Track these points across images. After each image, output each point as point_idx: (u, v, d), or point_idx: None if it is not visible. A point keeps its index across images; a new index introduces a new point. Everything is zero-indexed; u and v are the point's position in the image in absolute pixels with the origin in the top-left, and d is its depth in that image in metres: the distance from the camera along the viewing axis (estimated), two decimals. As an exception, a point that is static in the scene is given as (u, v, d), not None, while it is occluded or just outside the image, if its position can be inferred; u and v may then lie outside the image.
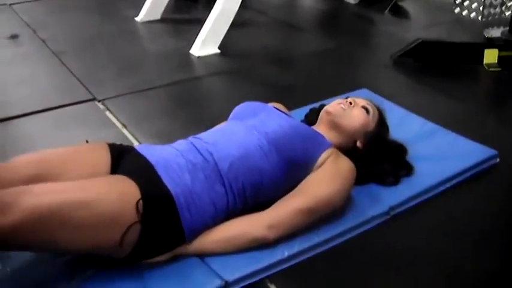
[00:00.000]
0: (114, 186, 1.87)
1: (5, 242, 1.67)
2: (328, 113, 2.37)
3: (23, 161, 1.98)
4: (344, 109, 2.35)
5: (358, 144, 2.36)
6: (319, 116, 2.43)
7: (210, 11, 3.98)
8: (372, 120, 2.39)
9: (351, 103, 2.37)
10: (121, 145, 2.18)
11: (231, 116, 2.42)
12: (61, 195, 1.74)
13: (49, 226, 1.70)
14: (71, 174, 1.94)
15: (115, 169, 2.03)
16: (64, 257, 1.97)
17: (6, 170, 1.94)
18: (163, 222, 1.89)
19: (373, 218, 2.21)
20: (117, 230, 1.80)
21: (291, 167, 2.11)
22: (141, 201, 1.83)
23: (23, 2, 5.16)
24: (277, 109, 2.39)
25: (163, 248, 1.93)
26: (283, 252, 1.99)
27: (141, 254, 1.89)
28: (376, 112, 2.44)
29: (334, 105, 2.39)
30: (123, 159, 2.07)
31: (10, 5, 5.12)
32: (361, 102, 2.42)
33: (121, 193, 1.84)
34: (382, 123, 2.45)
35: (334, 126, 2.35)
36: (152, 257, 1.92)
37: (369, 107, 2.40)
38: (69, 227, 1.73)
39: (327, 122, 2.37)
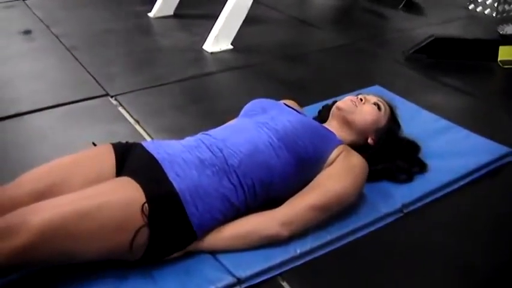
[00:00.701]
0: (118, 192, 1.86)
1: (20, 262, 1.71)
2: (339, 109, 2.37)
3: (29, 178, 1.97)
4: (355, 105, 2.35)
5: (370, 140, 2.36)
6: (331, 112, 2.43)
7: (223, 7, 3.98)
8: (383, 116, 2.39)
9: (361, 100, 2.38)
10: (127, 143, 2.18)
11: (241, 113, 2.42)
12: (66, 208, 1.75)
13: (59, 241, 1.72)
14: (77, 182, 1.95)
15: (121, 169, 2.04)
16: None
17: (15, 188, 1.94)
18: (171, 221, 1.88)
19: (386, 215, 2.20)
20: (125, 235, 1.80)
21: (301, 164, 2.10)
22: (146, 205, 1.83)
23: (36, -2, 5.19)
24: (288, 106, 2.39)
25: (175, 246, 1.93)
26: (296, 249, 1.99)
27: (155, 254, 1.89)
28: (388, 108, 2.43)
29: (346, 102, 2.39)
30: (128, 158, 2.07)
31: (23, 0, 5.13)
32: (373, 98, 2.42)
33: (125, 198, 1.84)
34: (393, 119, 2.45)
35: (346, 122, 2.35)
36: (166, 255, 1.92)
37: (380, 104, 2.40)
38: (79, 238, 1.74)
39: (338, 118, 2.37)
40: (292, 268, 1.96)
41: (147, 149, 2.08)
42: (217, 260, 1.95)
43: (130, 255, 1.86)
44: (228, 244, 1.97)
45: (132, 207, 1.82)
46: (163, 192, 1.89)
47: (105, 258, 1.86)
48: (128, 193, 1.86)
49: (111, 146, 2.12)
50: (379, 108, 2.38)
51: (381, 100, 2.43)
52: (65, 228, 1.71)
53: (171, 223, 1.88)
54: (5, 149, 2.76)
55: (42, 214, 1.71)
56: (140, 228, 1.81)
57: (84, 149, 2.14)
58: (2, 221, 1.71)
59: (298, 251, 1.98)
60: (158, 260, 1.92)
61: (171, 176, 1.93)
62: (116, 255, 1.86)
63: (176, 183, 1.91)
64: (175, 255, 1.93)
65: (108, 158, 2.06)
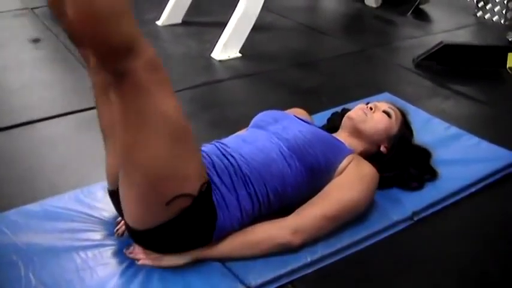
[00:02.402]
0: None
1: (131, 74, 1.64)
2: (349, 118, 2.36)
3: None
4: (365, 114, 2.35)
5: (382, 148, 2.36)
6: (342, 122, 2.42)
7: (231, 15, 3.98)
8: (394, 123, 2.38)
9: (371, 108, 2.37)
10: None
11: (252, 123, 2.41)
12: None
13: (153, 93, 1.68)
14: None
15: None
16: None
17: None
18: (206, 213, 1.89)
19: (397, 222, 2.20)
20: (175, 185, 1.80)
21: (312, 173, 2.10)
22: (205, 185, 1.86)
23: (44, 6, 5.17)
24: (298, 117, 2.38)
25: (188, 240, 1.93)
26: (306, 257, 1.98)
27: (169, 235, 1.88)
28: (399, 115, 2.42)
29: (356, 111, 2.38)
30: None
31: (32, 9, 5.15)
32: (383, 106, 2.41)
33: (202, 166, 1.90)
34: (406, 125, 2.44)
35: (357, 131, 2.34)
36: (175, 246, 1.93)
37: (391, 111, 2.39)
38: (158, 118, 1.71)
39: (349, 127, 2.37)
40: (302, 276, 1.95)
41: None
42: (227, 268, 1.94)
43: (157, 211, 1.83)
44: (238, 252, 1.96)
45: (200, 176, 1.86)
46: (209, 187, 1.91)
47: (150, 180, 1.78)
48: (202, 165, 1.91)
49: None
50: (389, 115, 2.37)
51: (392, 107, 2.42)
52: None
53: (205, 214, 1.89)
54: (16, 156, 2.77)
55: None
56: (189, 194, 1.82)
57: (95, 157, 2.14)
58: None
59: (309, 259, 1.98)
60: (163, 248, 1.94)
61: None
62: (155, 192, 1.80)
63: None
64: (183, 258, 1.94)
65: None
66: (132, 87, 1.64)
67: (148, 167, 1.76)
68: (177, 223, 1.84)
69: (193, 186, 1.83)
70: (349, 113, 2.40)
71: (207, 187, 1.88)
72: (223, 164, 2.01)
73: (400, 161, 2.37)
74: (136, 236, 1.95)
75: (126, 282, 1.91)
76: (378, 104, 2.42)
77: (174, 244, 1.93)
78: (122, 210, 1.92)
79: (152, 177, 1.77)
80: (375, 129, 2.34)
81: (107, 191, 2.20)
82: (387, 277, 2.01)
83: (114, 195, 1.99)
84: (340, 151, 2.18)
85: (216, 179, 1.95)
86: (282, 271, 1.93)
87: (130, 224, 1.90)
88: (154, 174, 1.76)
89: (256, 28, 4.02)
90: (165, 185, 1.79)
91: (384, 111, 2.37)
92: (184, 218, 1.84)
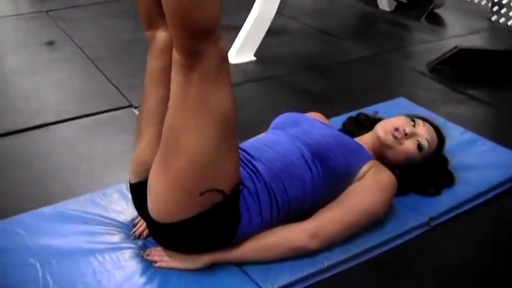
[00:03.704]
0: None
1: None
2: (380, 141, 2.27)
3: None
4: (398, 140, 2.24)
5: (396, 171, 2.28)
6: (373, 132, 2.33)
7: (245, 18, 3.98)
8: (420, 157, 2.28)
9: (406, 134, 2.25)
10: None
11: (271, 126, 2.41)
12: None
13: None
14: None
15: None
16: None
17: None
18: (229, 215, 1.89)
19: (413, 228, 2.20)
20: (214, 177, 1.80)
21: (332, 178, 2.10)
22: (238, 186, 1.88)
23: (59, 9, 5.19)
24: (317, 120, 2.38)
25: (208, 240, 1.92)
26: (323, 262, 1.98)
27: (190, 232, 1.88)
28: (433, 147, 2.32)
29: (386, 133, 2.26)
30: None
31: (46, 11, 5.16)
32: (422, 134, 2.28)
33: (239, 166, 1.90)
34: (435, 155, 2.36)
35: (380, 153, 2.28)
36: (194, 245, 1.94)
37: (426, 144, 2.27)
38: (210, 107, 1.72)
39: (375, 145, 2.29)
40: (319, 281, 1.96)
41: None
42: (244, 272, 1.95)
43: (190, 201, 1.82)
44: (256, 256, 1.97)
45: (233, 177, 1.86)
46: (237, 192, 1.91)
47: (192, 164, 1.78)
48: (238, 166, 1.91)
49: None
50: (420, 149, 2.26)
51: (432, 137, 2.31)
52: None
53: (231, 215, 1.89)
54: (31, 159, 2.77)
55: None
56: (222, 190, 1.82)
57: (110, 160, 2.14)
58: None
59: (326, 264, 1.98)
60: (185, 245, 1.94)
61: None
62: (190, 181, 1.79)
63: None
64: (201, 261, 1.94)
65: None
66: (203, 70, 1.67)
67: (194, 152, 1.76)
68: (201, 220, 1.83)
69: (228, 184, 1.84)
70: (379, 131, 2.29)
71: (238, 189, 1.89)
72: (245, 171, 2.00)
73: (417, 168, 2.34)
74: (157, 231, 1.93)
75: (143, 285, 1.91)
76: (417, 130, 2.28)
77: (194, 243, 1.93)
78: (143, 205, 1.91)
79: (193, 164, 1.77)
80: (397, 158, 2.27)
81: (122, 194, 2.21)
82: (403, 282, 2.01)
83: (137, 188, 2.00)
84: (361, 156, 2.18)
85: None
86: (299, 276, 1.93)
87: (155, 216, 1.87)
88: (197, 160, 1.76)
89: (269, 31, 4.01)
90: (203, 174, 1.79)
91: (419, 145, 2.26)
92: (210, 215, 1.83)
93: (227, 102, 1.74)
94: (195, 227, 1.85)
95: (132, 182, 2.06)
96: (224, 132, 1.76)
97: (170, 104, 1.76)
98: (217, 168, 1.80)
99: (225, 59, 1.71)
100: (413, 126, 2.29)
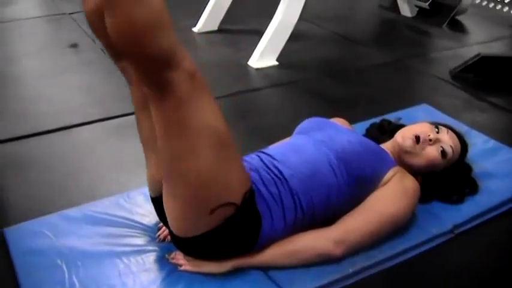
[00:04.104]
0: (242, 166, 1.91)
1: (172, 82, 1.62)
2: (401, 147, 2.26)
3: None
4: (420, 148, 2.23)
5: (418, 179, 2.26)
6: (393, 139, 2.32)
7: (267, 23, 3.99)
8: (444, 163, 2.27)
9: (430, 140, 2.24)
10: None
11: (297, 130, 2.41)
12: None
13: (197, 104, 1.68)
14: None
15: None
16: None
17: None
18: (249, 221, 1.90)
19: (436, 236, 2.19)
20: (220, 194, 1.80)
21: (358, 184, 2.09)
22: (248, 193, 1.86)
23: (82, 12, 5.20)
24: (342, 126, 2.38)
25: (231, 248, 1.93)
26: (348, 268, 1.98)
27: (212, 242, 1.89)
28: (457, 155, 2.32)
29: (407, 139, 2.25)
30: None
31: (69, 14, 5.19)
32: (446, 141, 2.28)
33: (244, 173, 1.90)
34: (458, 163, 2.35)
35: (400, 159, 2.27)
36: (217, 253, 1.94)
37: (450, 151, 2.26)
38: (203, 132, 1.72)
39: (395, 152, 2.28)
40: (343, 286, 1.96)
41: None
42: (269, 277, 1.95)
43: (201, 219, 1.83)
44: (280, 261, 1.97)
45: (243, 185, 1.86)
46: (253, 196, 1.91)
47: (194, 189, 1.79)
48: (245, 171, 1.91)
49: None
50: (444, 156, 2.26)
51: (455, 143, 2.31)
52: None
53: (248, 222, 1.90)
54: (55, 161, 2.80)
55: None
56: (233, 203, 1.82)
57: (133, 163, 2.15)
58: None
59: (350, 270, 1.98)
60: (206, 253, 1.95)
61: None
62: (198, 202, 1.81)
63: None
64: (224, 266, 1.95)
65: None
66: (172, 99, 1.64)
67: (192, 177, 1.76)
68: (220, 231, 1.85)
69: (236, 195, 1.83)
70: (398, 137, 2.29)
71: (250, 195, 1.88)
72: (270, 176, 2.01)
73: (440, 175, 2.33)
74: (179, 243, 1.96)
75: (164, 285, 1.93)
76: (441, 137, 2.27)
77: (217, 251, 1.94)
78: (165, 217, 1.93)
79: (196, 188, 1.78)
80: (419, 164, 2.26)
81: (146, 197, 2.21)
82: (427, 290, 2.01)
83: (157, 202, 2.01)
84: (386, 162, 2.17)
85: (262, 188, 1.96)
86: (324, 281, 1.93)
87: (174, 231, 1.91)
88: (197, 184, 1.77)
89: (292, 37, 4.02)
90: (208, 194, 1.79)
91: (442, 151, 2.25)
92: (228, 226, 1.85)
93: (210, 117, 1.73)
94: (215, 238, 1.87)
95: (151, 195, 2.08)
96: (216, 147, 1.75)
97: (156, 134, 1.75)
98: (221, 184, 1.80)
99: (195, 75, 1.66)
100: (437, 132, 2.28)
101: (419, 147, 2.24)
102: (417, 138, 2.23)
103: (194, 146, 1.72)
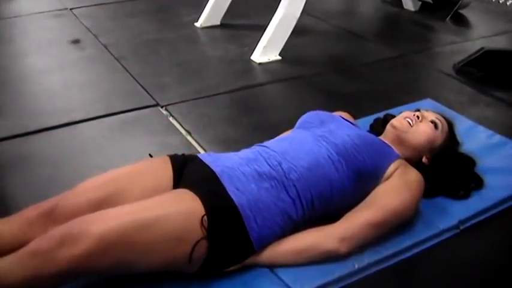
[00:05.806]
0: (178, 204, 1.87)
1: (79, 270, 1.71)
2: (394, 127, 2.34)
3: (88, 187, 1.99)
4: (411, 124, 2.32)
5: (424, 159, 2.33)
6: (386, 130, 2.40)
7: (270, 17, 3.98)
8: (439, 135, 2.34)
9: (418, 117, 2.34)
10: (183, 155, 2.18)
11: (297, 124, 2.41)
12: (126, 218, 1.76)
13: (118, 250, 1.72)
14: (135, 193, 1.96)
15: (178, 181, 2.05)
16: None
17: (73, 196, 1.96)
18: (231, 235, 1.88)
19: (443, 231, 2.19)
20: (185, 247, 1.80)
21: (359, 178, 2.09)
22: (205, 217, 1.83)
23: (83, 7, 5.21)
24: (344, 119, 2.38)
25: (233, 260, 1.92)
26: (354, 264, 1.98)
27: (212, 267, 1.89)
28: (446, 126, 2.39)
29: (401, 120, 2.35)
30: (186, 170, 2.08)
31: (71, 9, 5.18)
32: (430, 115, 2.37)
33: (185, 210, 1.84)
34: (451, 137, 2.41)
35: (400, 141, 2.31)
36: (224, 268, 1.92)
37: (438, 122, 2.35)
38: (137, 249, 1.75)
39: (392, 136, 2.34)
40: (349, 283, 1.95)
41: (205, 161, 2.08)
42: (275, 274, 1.94)
43: (188, 268, 1.86)
44: (286, 258, 1.96)
45: (192, 219, 1.82)
46: (223, 205, 1.89)
47: (163, 269, 1.86)
48: (187, 205, 1.86)
49: (168, 158, 2.13)
50: (436, 126, 2.33)
51: (440, 117, 2.38)
52: (124, 238, 1.72)
53: (230, 236, 1.88)
54: (58, 156, 2.79)
55: (102, 223, 1.72)
56: (199, 240, 1.81)
57: (138, 159, 2.15)
58: (62, 228, 1.72)
59: (356, 266, 1.97)
60: (216, 272, 1.92)
61: (230, 189, 1.93)
62: (174, 266, 1.86)
63: (236, 197, 1.91)
64: (232, 268, 1.93)
65: (165, 170, 2.07)
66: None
67: (151, 264, 1.82)
68: (212, 256, 1.86)
69: (194, 234, 1.82)
70: (393, 121, 2.37)
71: (211, 215, 1.85)
72: (267, 169, 2.01)
73: (445, 170, 2.35)
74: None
75: (172, 286, 1.91)
76: (425, 113, 2.38)
77: (224, 264, 1.93)
78: None
79: (161, 266, 1.84)
80: (418, 140, 2.31)
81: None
82: (433, 285, 2.00)
83: None
84: (388, 156, 2.17)
85: (258, 185, 1.96)
86: (330, 278, 1.93)
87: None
88: (158, 265, 1.83)
89: (295, 31, 4.01)
90: (173, 262, 1.84)
91: (432, 122, 2.33)
92: (215, 250, 1.85)
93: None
94: (214, 260, 1.88)
95: None
96: (148, 246, 1.78)
97: None
98: (176, 249, 1.81)
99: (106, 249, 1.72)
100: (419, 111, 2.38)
101: (414, 127, 2.31)
102: (408, 120, 2.32)
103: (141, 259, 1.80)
